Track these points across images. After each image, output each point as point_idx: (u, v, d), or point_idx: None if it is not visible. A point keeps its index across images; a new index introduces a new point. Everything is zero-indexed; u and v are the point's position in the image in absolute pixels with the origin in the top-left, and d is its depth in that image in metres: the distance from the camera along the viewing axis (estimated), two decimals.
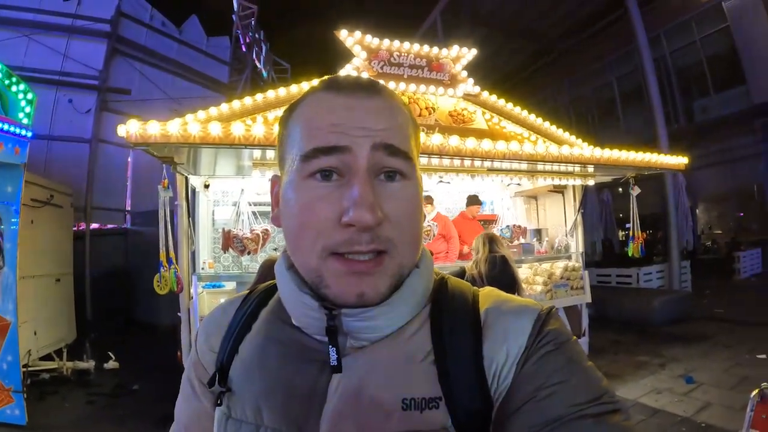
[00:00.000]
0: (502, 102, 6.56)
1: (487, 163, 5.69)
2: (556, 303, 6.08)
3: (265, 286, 0.84)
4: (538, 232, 7.62)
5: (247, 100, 5.19)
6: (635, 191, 6.81)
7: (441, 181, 6.16)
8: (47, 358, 6.72)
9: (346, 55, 5.96)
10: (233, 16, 17.33)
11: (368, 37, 5.84)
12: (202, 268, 5.60)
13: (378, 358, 0.66)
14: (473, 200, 6.97)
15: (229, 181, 5.97)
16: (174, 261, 4.54)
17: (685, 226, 11.21)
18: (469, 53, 6.33)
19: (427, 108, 5.97)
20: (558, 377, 0.60)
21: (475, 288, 0.76)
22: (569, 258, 7.19)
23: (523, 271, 6.48)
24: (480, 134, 5.71)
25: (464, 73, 6.29)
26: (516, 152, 5.37)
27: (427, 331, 0.68)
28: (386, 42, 5.90)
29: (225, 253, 5.82)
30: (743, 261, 14.10)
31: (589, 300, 6.77)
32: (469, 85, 6.27)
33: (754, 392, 1.92)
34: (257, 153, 4.72)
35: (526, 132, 6.64)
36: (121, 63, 12.83)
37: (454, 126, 6.07)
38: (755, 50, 14.26)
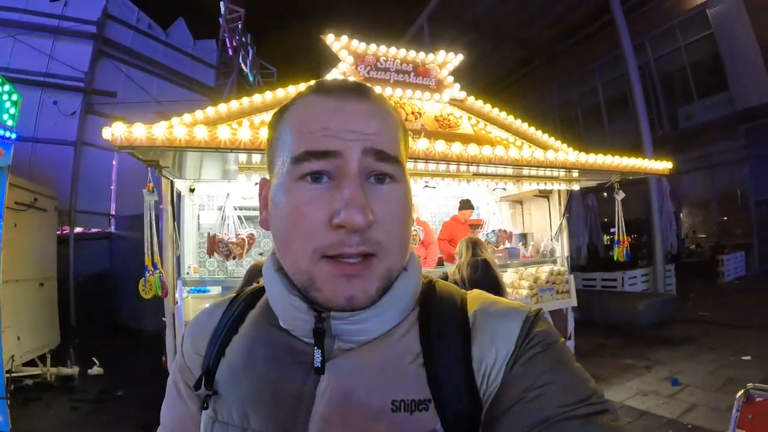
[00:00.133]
0: (488, 107, 6.59)
1: (473, 168, 5.71)
2: (542, 307, 6.11)
3: (251, 289, 0.84)
4: (523, 237, 7.67)
5: (234, 104, 5.18)
6: (620, 196, 6.87)
7: (427, 186, 6.21)
8: (31, 363, 6.66)
9: (332, 60, 5.97)
10: (220, 20, 17.34)
11: (355, 42, 5.85)
12: (187, 273, 5.57)
13: (366, 360, 0.66)
14: (466, 204, 7.00)
15: (215, 185, 5.94)
16: (159, 265, 4.53)
17: (669, 231, 11.35)
18: (456, 58, 6.36)
19: (413, 113, 5.99)
20: (546, 378, 0.61)
21: (462, 291, 0.77)
22: (555, 262, 7.25)
23: (508, 276, 6.52)
24: (466, 139, 5.75)
25: (450, 79, 6.32)
26: (502, 157, 5.40)
27: (416, 334, 0.68)
28: (373, 47, 5.92)
29: (210, 257, 5.79)
30: (727, 264, 14.28)
31: (575, 304, 6.82)
32: (456, 91, 6.30)
33: (740, 393, 1.97)
34: (243, 157, 4.71)
35: (511, 137, 6.66)
36: (107, 65, 12.78)
37: (440, 131, 6.10)
38: (738, 57, 14.54)
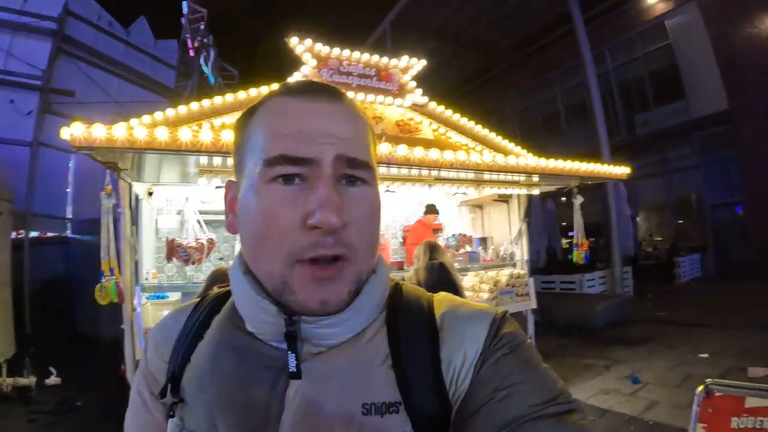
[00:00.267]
0: (449, 113, 6.69)
1: (434, 173, 5.78)
2: (507, 309, 6.21)
3: (216, 293, 0.82)
4: (483, 241, 7.77)
5: (194, 106, 5.14)
6: (578, 200, 7.00)
7: (387, 191, 6.28)
8: None
9: (295, 63, 5.97)
10: (182, 20, 17.09)
11: (318, 45, 5.87)
12: (146, 279, 5.47)
13: (336, 363, 0.66)
14: (431, 209, 7.04)
15: (174, 188, 5.86)
16: (116, 270, 4.46)
17: (626, 234, 11.65)
18: (419, 64, 6.44)
19: (374, 117, 6.04)
20: (515, 379, 0.62)
21: (429, 293, 0.77)
22: (514, 265, 7.36)
23: (469, 279, 6.62)
24: (426, 144, 5.82)
25: (413, 84, 6.40)
26: (463, 162, 5.47)
27: (384, 336, 0.69)
28: (336, 50, 5.95)
29: (169, 262, 5.70)
30: (683, 266, 14.70)
31: (535, 306, 6.95)
32: (417, 96, 6.38)
33: (700, 388, 2.04)
34: (204, 160, 4.67)
35: (472, 142, 6.78)
36: (66, 63, 12.52)
37: (401, 135, 6.17)
38: (695, 66, 15.09)
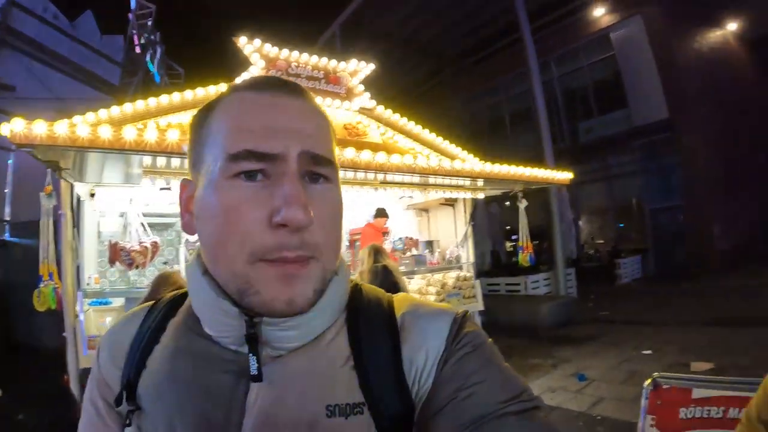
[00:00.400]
0: (396, 116, 6.78)
1: (381, 176, 5.84)
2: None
3: (171, 296, 0.79)
4: (429, 244, 7.90)
5: (140, 104, 5.07)
6: (523, 204, 7.19)
7: None
8: None
9: (243, 63, 5.96)
10: (130, 15, 16.62)
11: (267, 46, 5.88)
12: (88, 284, 5.32)
13: (298, 366, 0.64)
14: (381, 213, 7.06)
15: (117, 189, 5.72)
16: (54, 275, 4.35)
17: (569, 237, 12.01)
18: (367, 67, 6.52)
19: None
20: (478, 377, 0.61)
21: (389, 294, 0.76)
22: (460, 268, 7.51)
23: (416, 282, 6.73)
24: (374, 148, 5.88)
25: (361, 87, 6.47)
26: (410, 165, 5.58)
27: (345, 337, 0.67)
28: (285, 52, 5.97)
29: (112, 267, 5.55)
30: (624, 267, 15.18)
31: (482, 308, 7.11)
32: (365, 99, 6.45)
33: (648, 381, 2.11)
34: (148, 160, 4.62)
35: (418, 146, 6.88)
36: (8, 57, 12.01)
37: (348, 139, 6.24)
38: (637, 77, 15.80)
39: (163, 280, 3.15)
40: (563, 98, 18.08)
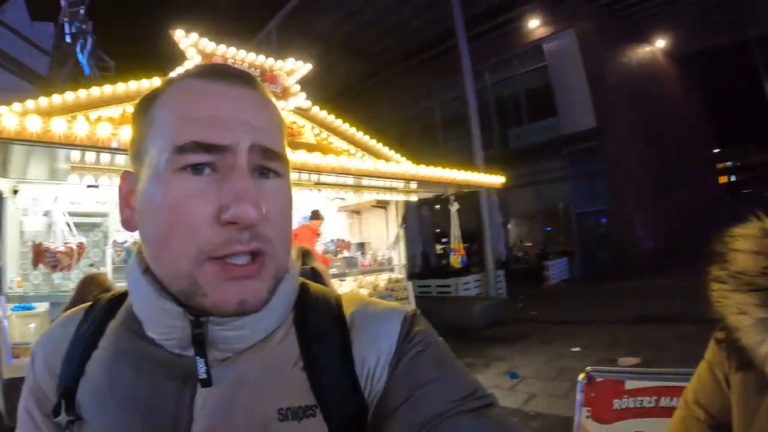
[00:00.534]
0: (331, 118, 6.86)
1: (315, 177, 5.88)
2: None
3: (110, 296, 0.75)
4: (361, 246, 7.97)
5: (69, 96, 4.93)
6: (455, 207, 7.38)
7: None
8: None
9: (178, 58, 5.88)
10: (62, 1, 15.85)
11: (204, 41, 5.81)
12: (10, 288, 5.12)
13: (247, 368, 0.61)
14: (316, 215, 7.05)
15: (42, 186, 5.50)
16: None
17: (498, 240, 12.38)
18: (304, 67, 6.54)
19: None
20: (431, 376, 0.60)
21: (336, 292, 0.75)
22: (392, 270, 7.64)
23: (348, 284, 6.83)
24: (308, 148, 5.90)
25: (297, 87, 6.51)
26: (346, 167, 5.64)
27: (294, 337, 0.65)
28: (222, 48, 5.93)
29: (35, 269, 5.35)
30: (551, 269, 15.77)
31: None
32: (301, 99, 6.49)
33: (582, 375, 2.16)
34: (76, 155, 4.47)
35: (352, 148, 6.99)
36: None
37: None
38: (567, 88, 16.58)
39: (88, 282, 3.07)
40: (495, 105, 18.62)
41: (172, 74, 5.52)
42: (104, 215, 6.19)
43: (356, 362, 0.64)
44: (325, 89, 18.76)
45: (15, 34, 14.28)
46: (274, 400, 0.60)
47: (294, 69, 6.50)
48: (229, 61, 5.97)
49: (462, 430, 0.56)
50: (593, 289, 13.70)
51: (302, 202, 7.48)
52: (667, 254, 15.91)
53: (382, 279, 7.08)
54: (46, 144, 3.91)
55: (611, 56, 16.74)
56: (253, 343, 0.62)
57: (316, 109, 6.75)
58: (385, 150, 7.30)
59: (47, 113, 4.49)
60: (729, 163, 55.93)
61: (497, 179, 7.56)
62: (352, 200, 7.64)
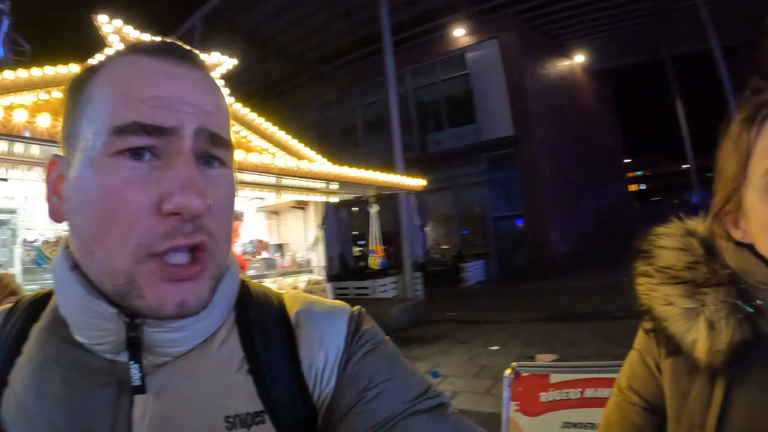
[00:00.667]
0: (252, 116, 6.83)
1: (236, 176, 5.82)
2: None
3: (32, 296, 0.68)
4: (280, 247, 7.96)
5: None
6: (374, 209, 7.50)
7: None
8: None
9: (98, 44, 5.67)
10: None
11: (127, 28, 5.64)
12: None
13: (188, 374, 0.58)
14: (236, 216, 6.96)
15: None
16: None
17: (416, 242, 12.60)
18: (229, 62, 6.47)
19: None
20: (383, 376, 0.59)
21: (277, 291, 0.72)
22: (311, 272, 7.67)
23: (266, 285, 6.75)
24: None
25: (220, 82, 6.39)
26: (268, 165, 5.62)
27: (237, 339, 0.62)
28: (146, 36, 5.73)
29: None
30: (468, 271, 16.24)
31: None
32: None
33: (508, 371, 2.21)
34: None
35: (273, 147, 6.98)
36: None
37: None
38: (487, 96, 17.21)
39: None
40: (416, 110, 18.99)
41: (92, 61, 5.37)
42: (13, 211, 5.87)
43: (303, 363, 0.62)
44: (247, 87, 18.50)
45: None
46: (220, 407, 0.57)
47: (218, 63, 6.41)
48: None
49: (418, 431, 0.55)
50: (509, 289, 14.20)
51: None
52: (579, 256, 16.92)
53: (301, 281, 7.10)
54: None
55: (532, 68, 17.54)
56: (193, 346, 0.59)
57: (237, 106, 6.69)
58: (306, 150, 7.32)
59: None
60: (639, 173, 59.97)
61: (418, 182, 7.74)
62: (272, 200, 7.60)
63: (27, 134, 4.12)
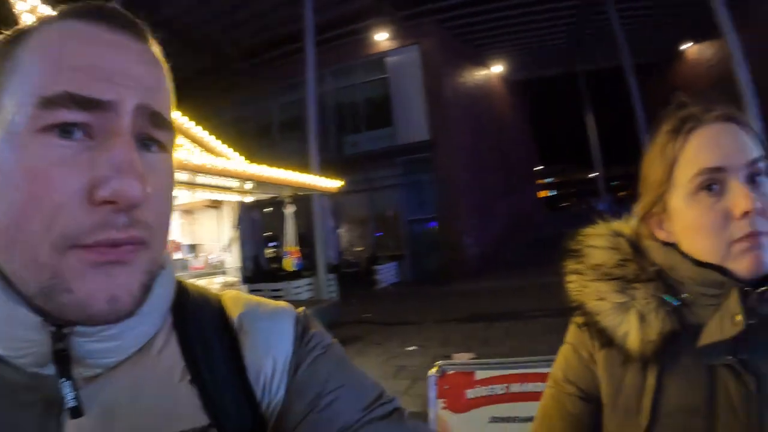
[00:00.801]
0: None
1: None
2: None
3: None
4: (193, 248, 7.86)
5: None
6: (290, 209, 7.52)
7: None
8: None
9: (7, 22, 5.41)
10: None
11: (44, 8, 5.42)
12: None
13: (125, 386, 0.52)
14: None
15: None
16: None
17: (330, 244, 12.67)
18: None
19: None
20: (335, 382, 0.57)
21: (214, 291, 0.67)
22: (225, 273, 7.63)
23: None
24: None
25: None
26: (183, 162, 5.48)
27: (176, 346, 0.57)
28: None
29: None
30: (382, 273, 16.54)
31: None
32: None
33: (433, 369, 2.20)
34: None
35: (187, 143, 6.85)
36: None
37: None
38: (405, 101, 17.59)
39: None
40: (334, 111, 19.05)
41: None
42: None
43: (250, 371, 0.58)
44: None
45: None
46: (164, 423, 0.51)
47: None
48: None
49: None
50: (423, 291, 14.56)
51: None
52: (492, 259, 17.73)
53: (215, 283, 7.03)
54: None
55: (451, 75, 18.12)
56: (128, 355, 0.53)
57: None
58: (224, 148, 7.21)
59: None
60: (549, 179, 63.10)
61: (335, 183, 7.81)
62: (185, 199, 7.37)
63: None
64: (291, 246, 7.62)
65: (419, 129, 17.00)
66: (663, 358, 0.83)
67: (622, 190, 43.84)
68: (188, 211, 8.45)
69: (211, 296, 0.65)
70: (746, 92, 9.75)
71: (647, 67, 23.43)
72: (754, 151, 0.80)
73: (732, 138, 0.81)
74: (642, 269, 0.89)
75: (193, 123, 6.95)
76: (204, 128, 7.17)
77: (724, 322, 0.77)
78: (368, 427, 0.54)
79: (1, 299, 0.48)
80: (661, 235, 0.88)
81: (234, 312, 0.62)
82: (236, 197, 7.54)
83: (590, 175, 44.21)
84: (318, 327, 0.64)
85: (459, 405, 2.13)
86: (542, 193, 51.60)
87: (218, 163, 6.02)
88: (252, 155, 8.79)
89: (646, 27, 20.31)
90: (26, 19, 5.16)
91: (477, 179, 18.39)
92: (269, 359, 0.58)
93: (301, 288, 11.72)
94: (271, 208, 12.94)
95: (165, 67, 0.57)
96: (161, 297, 0.56)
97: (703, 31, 17.75)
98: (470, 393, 2.11)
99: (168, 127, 0.53)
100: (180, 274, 2.35)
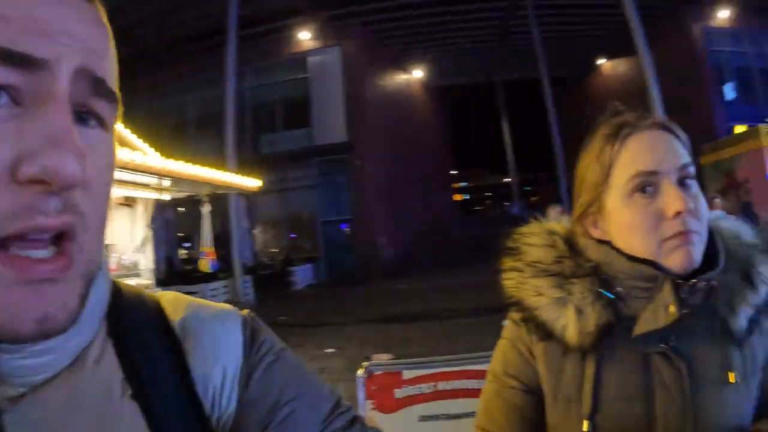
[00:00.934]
0: None
1: None
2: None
3: None
4: (105, 248, 7.45)
5: None
6: (207, 208, 7.44)
7: None
8: None
9: None
10: None
11: None
12: None
13: (57, 406, 0.44)
14: None
15: None
16: None
17: (245, 245, 12.63)
18: None
19: None
20: (291, 392, 0.54)
21: (149, 292, 0.60)
22: (139, 275, 7.46)
23: None
24: None
25: None
26: None
27: (113, 356, 0.49)
28: None
29: None
30: (297, 274, 16.69)
31: None
32: None
33: (360, 371, 2.19)
34: None
35: None
36: None
37: None
38: (324, 102, 17.85)
39: None
40: (251, 109, 18.97)
41: None
42: None
43: (197, 382, 0.52)
44: None
45: None
46: None
47: None
48: None
49: None
50: (339, 293, 14.71)
51: None
52: (406, 261, 18.26)
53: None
54: None
55: (372, 78, 18.55)
56: (60, 370, 0.45)
57: None
58: (140, 143, 7.02)
59: None
60: (464, 184, 64.99)
61: (254, 182, 7.74)
62: None
63: None
64: (207, 247, 7.45)
65: (337, 130, 17.26)
66: (601, 349, 0.88)
67: (534, 195, 46.03)
68: None
69: (147, 298, 0.58)
70: (657, 105, 10.67)
71: (563, 80, 24.86)
72: (684, 156, 0.87)
73: (665, 144, 0.87)
74: (578, 266, 0.94)
75: None
76: (120, 121, 6.91)
77: (658, 313, 0.83)
78: None
79: None
80: (596, 233, 0.93)
81: (175, 316, 0.56)
82: (153, 195, 7.33)
83: (504, 180, 45.99)
84: (267, 330, 0.61)
85: (388, 405, 2.15)
86: (457, 197, 53.14)
87: (136, 158, 5.81)
88: (167, 151, 8.56)
89: (564, 41, 21.69)
90: None
91: (393, 182, 18.84)
92: (218, 368, 0.53)
93: (217, 290, 11.59)
94: (185, 208, 12.63)
95: (110, 33, 0.49)
96: (97, 303, 0.48)
97: (618, 48, 19.22)
98: (398, 393, 2.14)
99: (112, 98, 0.46)
100: None
